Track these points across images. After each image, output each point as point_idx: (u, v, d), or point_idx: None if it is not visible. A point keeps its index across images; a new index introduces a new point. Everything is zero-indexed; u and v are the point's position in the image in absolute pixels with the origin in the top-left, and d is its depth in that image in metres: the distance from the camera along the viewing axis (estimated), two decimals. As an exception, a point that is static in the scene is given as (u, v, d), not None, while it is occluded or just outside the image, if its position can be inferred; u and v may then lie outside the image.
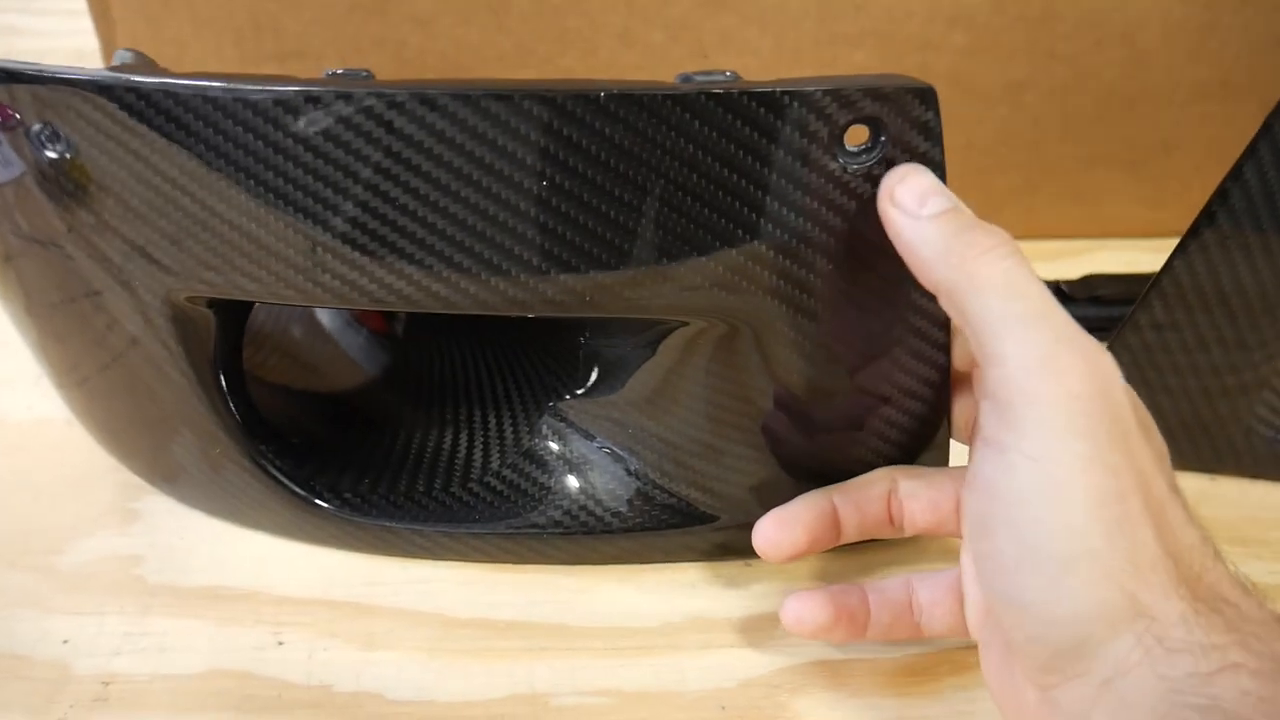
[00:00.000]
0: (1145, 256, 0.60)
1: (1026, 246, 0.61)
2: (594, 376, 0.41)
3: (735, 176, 0.30)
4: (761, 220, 0.31)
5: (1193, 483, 0.46)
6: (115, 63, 0.34)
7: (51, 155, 0.31)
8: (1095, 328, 0.53)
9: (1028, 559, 0.26)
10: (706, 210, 0.31)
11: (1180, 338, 0.43)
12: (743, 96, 0.29)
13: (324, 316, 0.47)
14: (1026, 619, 0.27)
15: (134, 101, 0.30)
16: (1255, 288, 0.41)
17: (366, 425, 0.44)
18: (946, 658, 0.38)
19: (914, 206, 0.30)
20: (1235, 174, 0.39)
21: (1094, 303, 0.54)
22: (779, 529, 0.35)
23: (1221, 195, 0.39)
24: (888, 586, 0.36)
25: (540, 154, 0.30)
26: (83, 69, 0.32)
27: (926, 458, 0.37)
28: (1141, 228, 0.61)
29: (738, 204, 0.31)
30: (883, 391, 0.35)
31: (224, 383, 0.37)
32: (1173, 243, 0.41)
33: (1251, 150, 0.38)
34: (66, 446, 0.46)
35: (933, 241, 0.29)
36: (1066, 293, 0.54)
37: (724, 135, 0.30)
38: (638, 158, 0.30)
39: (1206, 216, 0.40)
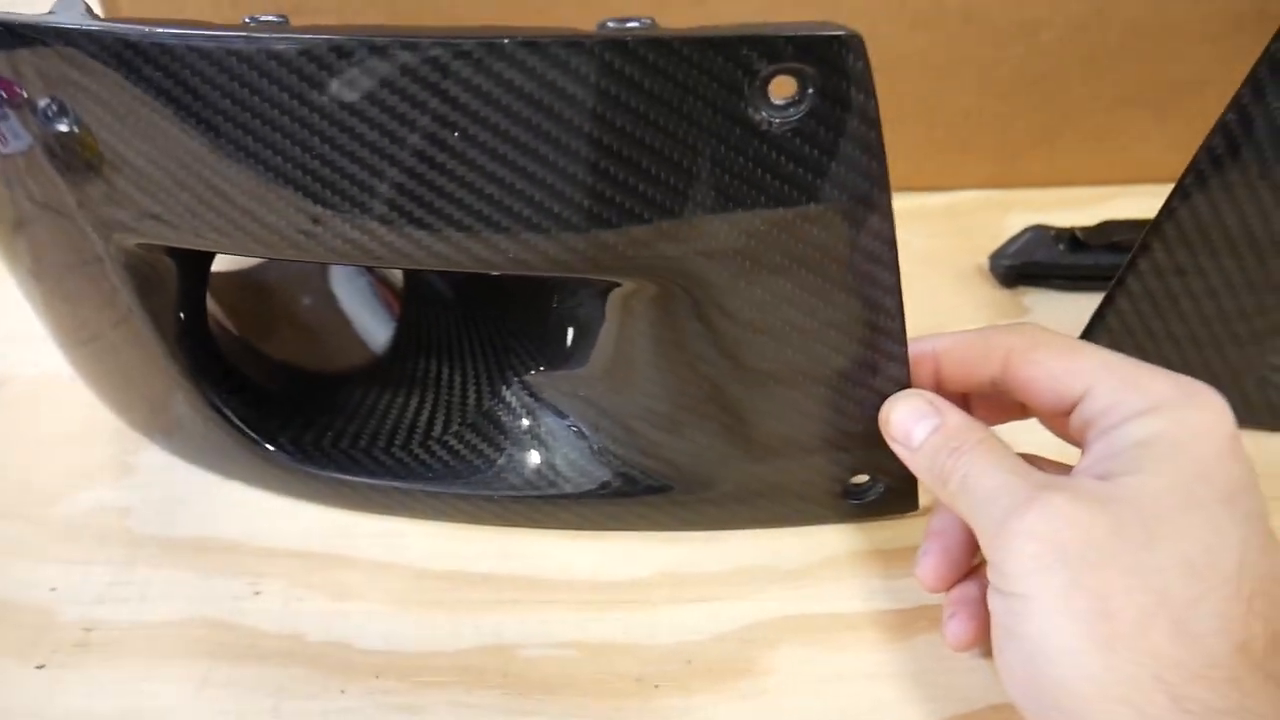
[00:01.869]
0: (1172, 202, 0.58)
1: (1048, 194, 0.60)
2: (558, 346, 0.40)
3: (651, 130, 0.29)
4: (680, 176, 0.30)
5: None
6: (58, 8, 0.34)
7: (61, 129, 0.32)
8: (1111, 276, 0.51)
9: (1034, 679, 0.28)
10: (625, 165, 0.30)
11: (1184, 283, 0.41)
12: (655, 45, 0.28)
13: (301, 271, 0.48)
14: None
15: (123, 50, 0.30)
16: (1262, 227, 0.39)
17: (337, 382, 0.44)
18: (922, 613, 0.37)
19: (905, 441, 0.34)
20: (1236, 104, 0.37)
21: (1110, 250, 0.51)
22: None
23: (1222, 128, 0.37)
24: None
25: (448, 104, 0.29)
26: (72, 20, 0.32)
27: (889, 451, 0.36)
28: (1171, 173, 0.58)
29: (654, 158, 0.29)
30: (831, 361, 0.34)
31: (186, 331, 0.38)
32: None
33: (1252, 78, 0.36)
34: (70, 402, 0.47)
35: (924, 472, 0.33)
36: (1081, 240, 0.52)
37: (638, 87, 0.28)
38: (548, 108, 0.29)
39: (1207, 151, 0.38)
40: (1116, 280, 0.42)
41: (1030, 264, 0.52)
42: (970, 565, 0.35)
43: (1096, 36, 0.54)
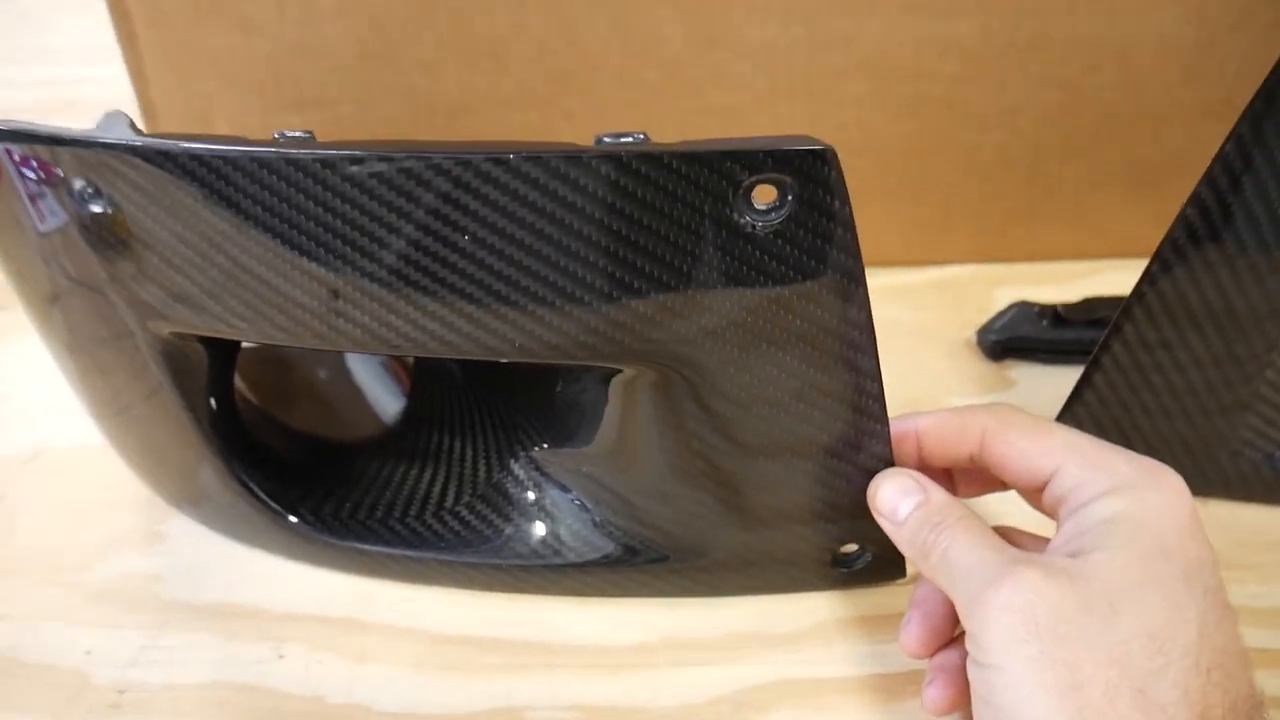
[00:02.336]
0: (1151, 277, 0.60)
1: (1034, 269, 0.63)
2: (560, 422, 0.43)
3: (646, 234, 0.32)
4: (675, 275, 0.33)
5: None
6: (104, 125, 0.37)
7: (94, 209, 0.34)
8: (1093, 350, 0.53)
9: None
10: (622, 265, 0.32)
11: (1158, 358, 0.43)
12: (646, 159, 0.31)
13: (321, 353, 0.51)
14: None
15: (159, 161, 0.33)
16: (1232, 302, 0.41)
17: (353, 454, 0.47)
18: (909, 678, 0.39)
19: (891, 516, 0.36)
20: (1205, 184, 0.39)
21: (1093, 325, 0.54)
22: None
23: (1191, 207, 0.40)
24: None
25: (459, 211, 0.32)
26: (113, 134, 0.35)
27: (875, 524, 0.39)
28: (1150, 247, 0.61)
29: (650, 260, 0.32)
30: (818, 439, 0.37)
31: (215, 410, 0.40)
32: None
33: (1221, 158, 0.39)
34: (102, 472, 0.50)
35: (907, 546, 0.35)
36: (1064, 316, 0.54)
37: (632, 196, 0.31)
38: (550, 216, 0.31)
39: (1176, 231, 0.40)
40: (1094, 356, 0.44)
41: (1015, 339, 0.55)
42: (951, 634, 0.37)
43: (1073, 121, 0.57)
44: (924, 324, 0.59)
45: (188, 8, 0.52)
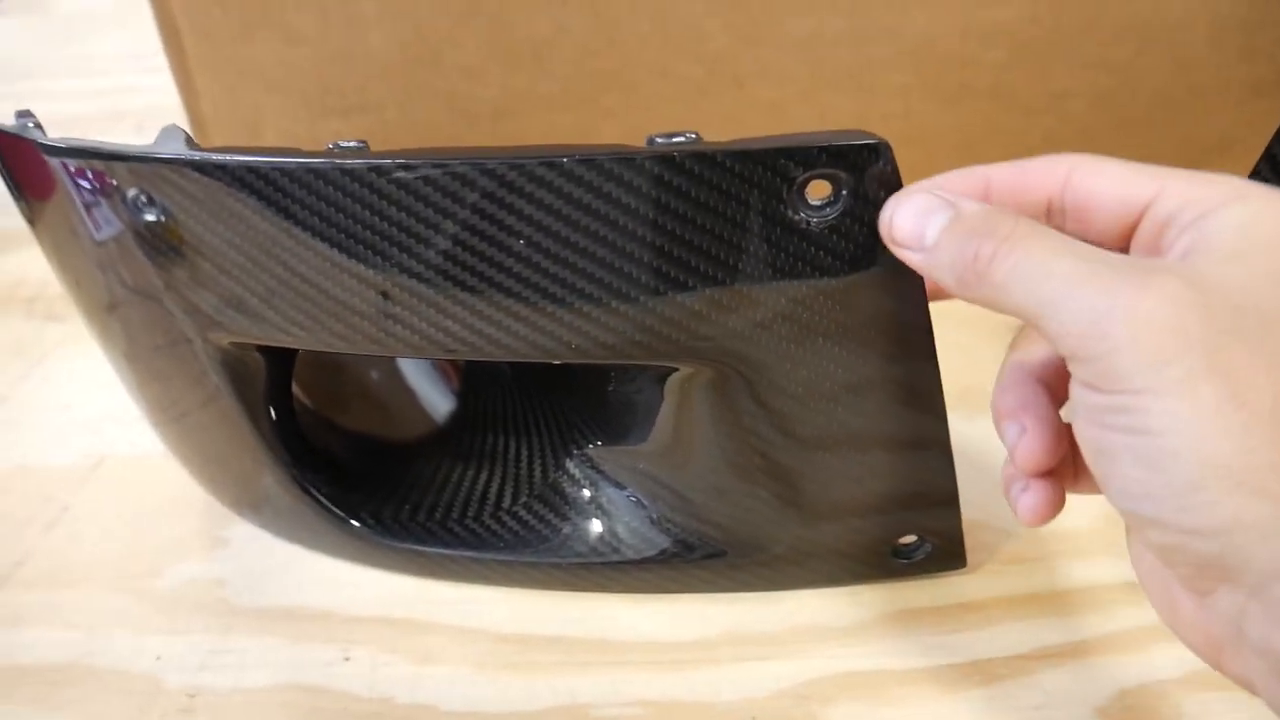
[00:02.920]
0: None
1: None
2: (616, 420, 0.43)
3: (701, 232, 0.32)
4: (730, 273, 0.33)
5: None
6: (162, 140, 0.37)
7: (149, 219, 0.35)
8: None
9: (1155, 483, 0.25)
10: (677, 264, 0.33)
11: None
12: (699, 159, 0.31)
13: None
14: (1166, 535, 0.26)
15: (218, 174, 0.33)
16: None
17: (411, 456, 0.47)
18: (977, 668, 0.39)
19: (915, 242, 0.30)
20: (1267, 159, 0.39)
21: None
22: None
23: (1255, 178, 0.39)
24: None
25: (514, 215, 0.32)
26: (170, 149, 0.35)
27: (935, 512, 0.38)
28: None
29: (706, 258, 0.32)
30: (876, 431, 0.37)
31: (274, 418, 0.41)
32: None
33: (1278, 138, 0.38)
34: (164, 479, 0.51)
35: (946, 270, 0.29)
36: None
37: (685, 195, 0.31)
38: (604, 217, 0.32)
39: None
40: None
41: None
42: (1066, 430, 0.32)
43: (1123, 105, 0.56)
44: (975, 313, 0.58)
45: (234, 21, 0.52)
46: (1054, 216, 0.31)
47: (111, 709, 0.40)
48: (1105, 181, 0.30)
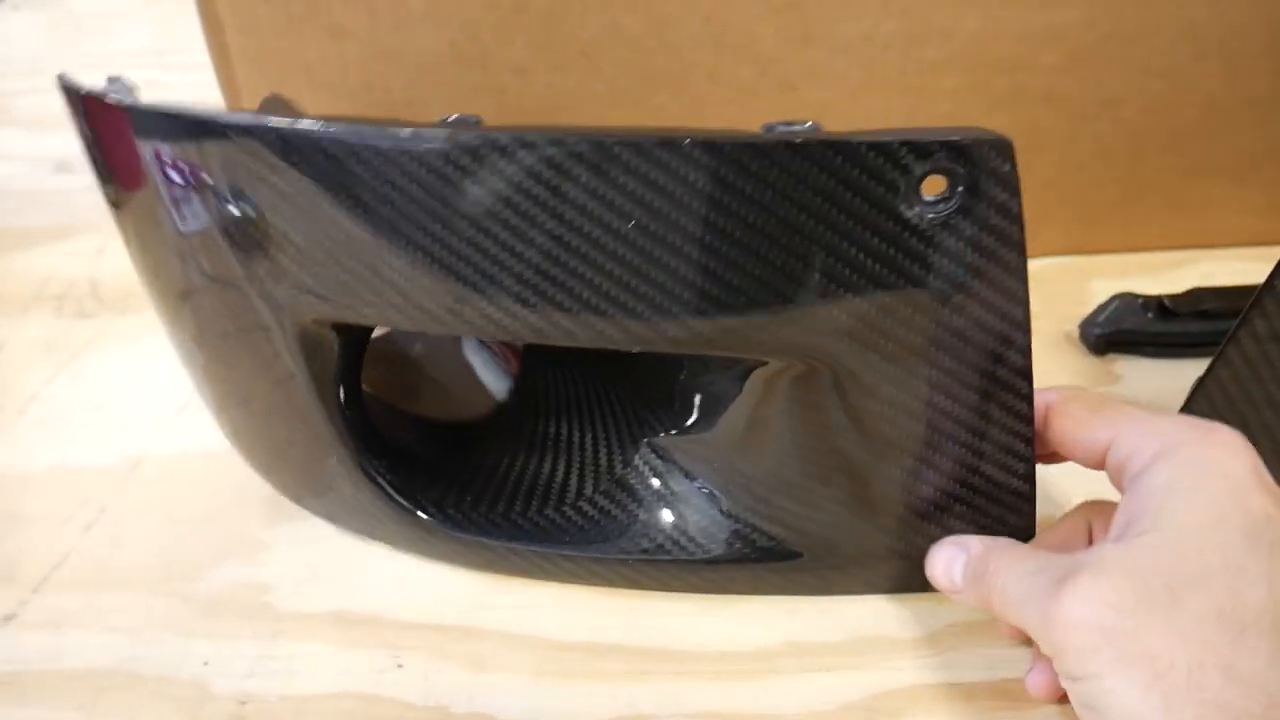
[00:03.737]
0: (1253, 266, 0.59)
1: (1127, 260, 0.62)
2: (689, 412, 0.42)
3: (812, 222, 0.31)
4: (837, 265, 0.32)
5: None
6: (264, 108, 0.36)
7: (234, 212, 0.34)
8: (1200, 343, 0.52)
9: None
10: (784, 255, 0.32)
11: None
12: (821, 146, 0.30)
13: (445, 341, 0.50)
14: None
15: (308, 147, 0.32)
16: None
17: (474, 444, 0.46)
18: (1046, 682, 0.38)
19: (950, 587, 0.37)
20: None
21: (1199, 317, 0.53)
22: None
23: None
24: None
25: (630, 199, 0.31)
26: (260, 116, 0.34)
27: (1009, 527, 0.38)
28: (1249, 237, 0.60)
29: (815, 249, 0.32)
30: (962, 440, 0.36)
31: (342, 400, 0.40)
32: (1282, 250, 0.40)
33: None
34: (204, 480, 0.50)
35: (974, 603, 0.36)
36: (1170, 307, 0.53)
37: (803, 183, 0.31)
38: (719, 203, 0.31)
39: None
40: (1220, 349, 0.43)
41: (1120, 332, 0.54)
42: None
43: (1176, 111, 0.55)
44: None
45: (280, 16, 0.51)
46: (1042, 441, 0.36)
47: (161, 715, 0.39)
48: (1069, 425, 0.35)
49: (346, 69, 0.53)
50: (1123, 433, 0.33)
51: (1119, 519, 0.32)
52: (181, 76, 0.87)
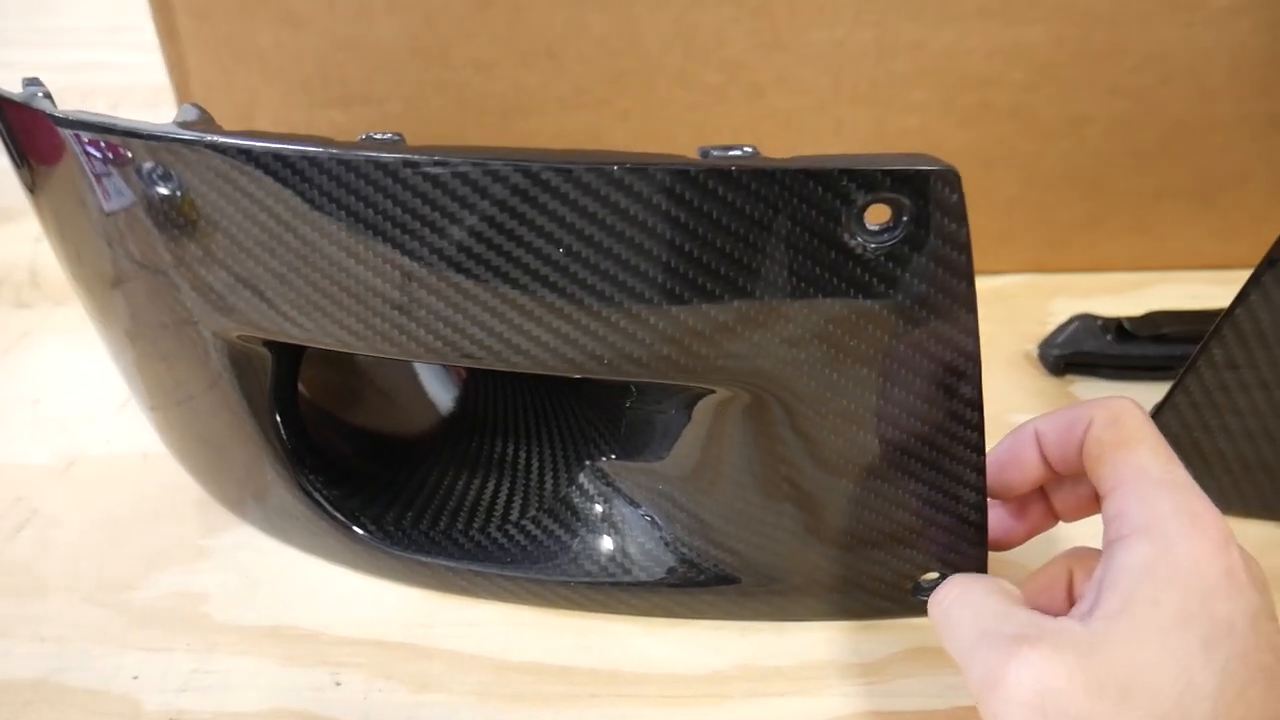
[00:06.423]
0: (1211, 290, 0.59)
1: (1089, 280, 0.61)
2: (634, 437, 0.41)
3: (751, 251, 0.30)
4: (778, 295, 0.31)
5: (1261, 530, 0.45)
6: (180, 118, 0.35)
7: (163, 191, 0.33)
8: (1158, 366, 0.52)
9: None
10: (722, 283, 0.31)
11: (1249, 376, 0.42)
12: (757, 174, 0.29)
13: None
14: None
15: (241, 160, 0.31)
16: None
17: (415, 459, 0.45)
18: (998, 713, 0.38)
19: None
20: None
21: (1157, 341, 0.53)
22: None
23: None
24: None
25: (559, 225, 0.30)
26: (197, 130, 0.33)
27: (962, 549, 0.37)
28: (1210, 260, 0.60)
29: (754, 278, 0.31)
30: (912, 469, 0.35)
31: (278, 415, 0.39)
32: (1243, 275, 0.40)
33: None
34: (142, 481, 0.48)
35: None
36: (1129, 330, 0.53)
37: (739, 211, 0.30)
38: (650, 230, 0.30)
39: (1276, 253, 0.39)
40: (1179, 376, 0.43)
41: (1079, 353, 0.53)
42: None
43: (1141, 132, 0.55)
44: (982, 337, 0.57)
45: (233, 1, 0.50)
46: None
47: (88, 732, 0.37)
48: (1094, 451, 0.33)
49: (302, 59, 0.51)
50: (1121, 487, 0.31)
51: (1091, 585, 0.31)
52: (136, 56, 0.85)
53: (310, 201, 0.31)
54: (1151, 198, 0.58)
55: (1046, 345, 0.55)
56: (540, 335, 0.32)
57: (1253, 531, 0.44)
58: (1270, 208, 0.58)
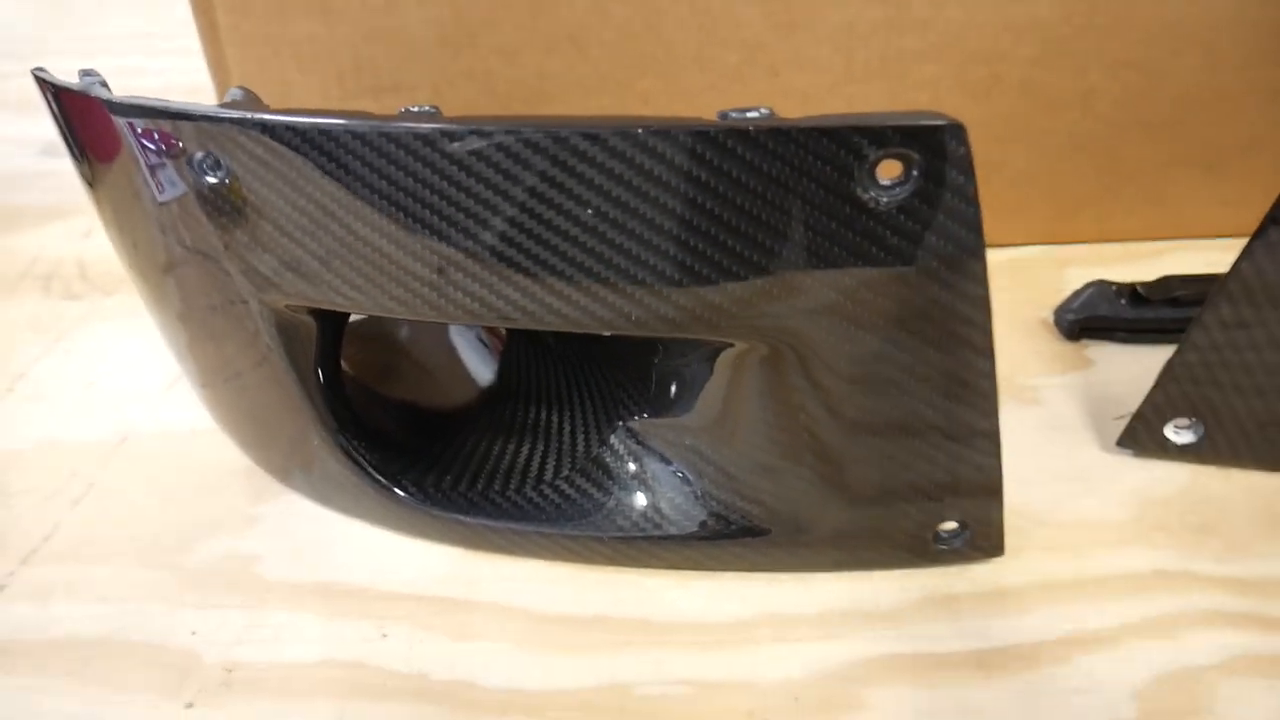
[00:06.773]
0: (1224, 256, 0.60)
1: (1102, 250, 0.63)
2: (663, 395, 0.43)
3: (769, 207, 0.32)
4: (796, 249, 0.33)
5: (1269, 481, 0.46)
6: (227, 99, 0.37)
7: (212, 180, 0.35)
8: (1172, 329, 0.53)
9: None
10: (742, 239, 0.33)
11: (1253, 335, 0.43)
12: (773, 133, 0.31)
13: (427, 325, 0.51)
14: None
15: (289, 136, 0.33)
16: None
17: (453, 430, 0.47)
18: (1017, 653, 0.39)
19: None
20: None
21: (1171, 304, 0.54)
22: None
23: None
24: None
25: (587, 187, 0.32)
26: (242, 110, 0.35)
27: (979, 500, 0.39)
28: (1222, 228, 0.61)
29: (772, 233, 0.32)
30: (927, 416, 0.37)
31: (322, 384, 0.41)
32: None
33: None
34: (192, 455, 0.50)
35: None
36: (1143, 294, 0.54)
37: (757, 169, 0.31)
38: (674, 190, 0.32)
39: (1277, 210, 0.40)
40: (1187, 333, 0.44)
41: (1094, 318, 0.55)
42: None
43: (1151, 103, 0.56)
44: (998, 305, 0.57)
45: (270, -4, 0.52)
46: None
47: (151, 682, 0.40)
48: None
49: (336, 51, 0.53)
50: None
51: None
52: (169, 62, 0.88)
53: (353, 172, 0.33)
54: (1161, 169, 0.59)
55: (1062, 310, 0.56)
56: (572, 295, 0.34)
57: (1264, 484, 0.45)
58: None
